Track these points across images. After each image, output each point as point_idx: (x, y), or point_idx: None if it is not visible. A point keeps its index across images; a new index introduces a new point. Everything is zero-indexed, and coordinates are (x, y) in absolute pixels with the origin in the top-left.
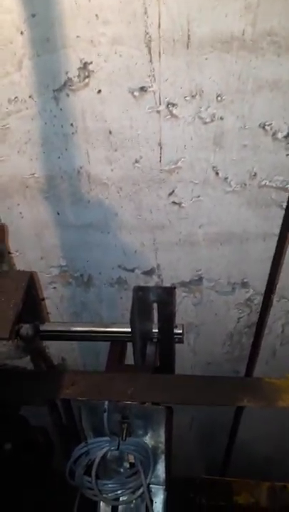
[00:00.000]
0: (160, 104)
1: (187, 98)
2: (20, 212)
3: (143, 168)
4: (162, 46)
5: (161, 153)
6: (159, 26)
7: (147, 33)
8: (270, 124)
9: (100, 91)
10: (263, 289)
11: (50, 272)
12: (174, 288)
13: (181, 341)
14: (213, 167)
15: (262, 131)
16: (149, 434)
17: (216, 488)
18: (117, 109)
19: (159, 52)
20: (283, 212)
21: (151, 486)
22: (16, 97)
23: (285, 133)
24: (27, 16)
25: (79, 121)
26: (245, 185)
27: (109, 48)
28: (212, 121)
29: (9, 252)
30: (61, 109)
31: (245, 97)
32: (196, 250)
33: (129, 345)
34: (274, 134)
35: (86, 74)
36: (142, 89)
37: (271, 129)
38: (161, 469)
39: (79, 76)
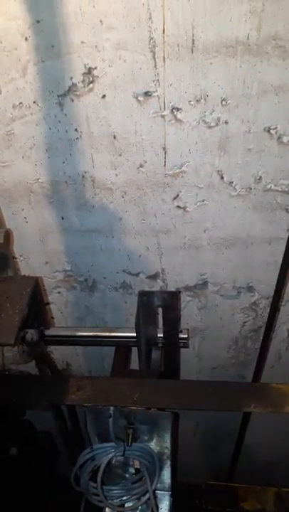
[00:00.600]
0: (164, 108)
1: (192, 102)
2: (25, 217)
3: (147, 172)
4: (167, 51)
5: (165, 158)
6: (164, 31)
7: (152, 38)
8: (275, 128)
9: (104, 96)
10: (269, 293)
11: (54, 277)
12: (179, 292)
13: (186, 346)
14: (218, 171)
15: (267, 135)
16: (154, 440)
17: (221, 494)
18: (121, 114)
19: (164, 57)
20: None
21: (156, 491)
22: (20, 103)
23: None
24: (32, 22)
25: (83, 126)
26: (251, 189)
27: (113, 53)
28: (217, 125)
29: (14, 257)
30: (66, 115)
31: (250, 101)
32: (201, 254)
33: (134, 350)
34: (279, 137)
35: (90, 79)
36: (147, 94)
37: (276, 133)
38: (166, 475)
39: (83, 81)
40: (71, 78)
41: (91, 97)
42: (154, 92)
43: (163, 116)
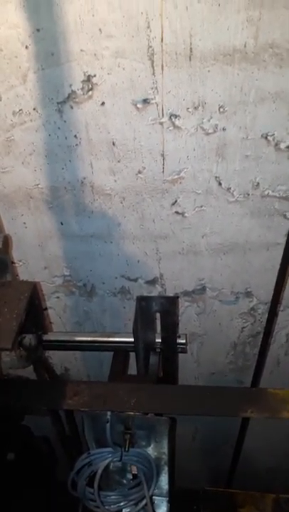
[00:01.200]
0: (163, 115)
1: (190, 110)
2: (24, 223)
3: (146, 178)
4: (165, 59)
5: (164, 164)
6: (162, 40)
7: (150, 47)
8: (273, 134)
9: (103, 103)
10: (267, 298)
11: (53, 282)
12: (177, 297)
13: (184, 351)
14: (216, 177)
15: (264, 142)
16: (152, 445)
17: (220, 501)
18: (120, 121)
19: (162, 65)
20: (287, 221)
21: (154, 497)
22: (20, 110)
23: (287, 143)
24: (32, 31)
25: (82, 132)
26: (248, 195)
27: (112, 61)
28: (214, 132)
29: (13, 262)
30: (65, 121)
31: (247, 108)
32: (199, 260)
33: (133, 355)
34: (276, 144)
35: (90, 86)
36: (145, 101)
37: (274, 139)
38: (164, 481)
39: (83, 89)
40: (70, 85)
41: (90, 104)
42: (152, 99)
43: (161, 123)
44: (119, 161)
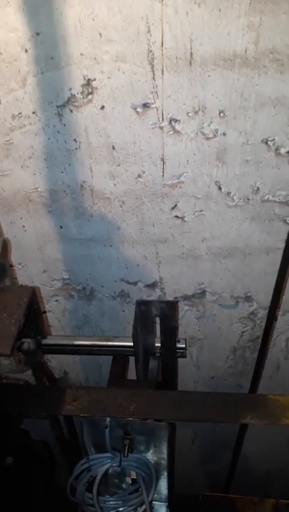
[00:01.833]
0: (163, 120)
1: (190, 114)
2: (23, 226)
3: (146, 182)
4: (165, 64)
5: (163, 168)
6: (162, 44)
7: (150, 51)
8: (273, 139)
9: (103, 107)
10: (267, 302)
11: (52, 285)
12: (177, 302)
13: (184, 355)
14: (216, 182)
15: (265, 147)
16: (151, 451)
17: (219, 506)
18: (120, 125)
19: (162, 70)
20: (286, 226)
21: (153, 502)
22: (19, 113)
23: (288, 148)
24: (32, 35)
25: (82, 136)
26: (248, 199)
27: (112, 65)
28: (215, 136)
29: (11, 266)
30: (64, 125)
31: (247, 113)
32: (199, 264)
33: (132, 359)
34: (277, 149)
35: (89, 90)
36: (145, 105)
37: (274, 144)
38: (163, 486)
39: (82, 92)
40: (70, 89)
41: (90, 108)
42: (152, 103)
43: (161, 128)
44: (118, 165)
